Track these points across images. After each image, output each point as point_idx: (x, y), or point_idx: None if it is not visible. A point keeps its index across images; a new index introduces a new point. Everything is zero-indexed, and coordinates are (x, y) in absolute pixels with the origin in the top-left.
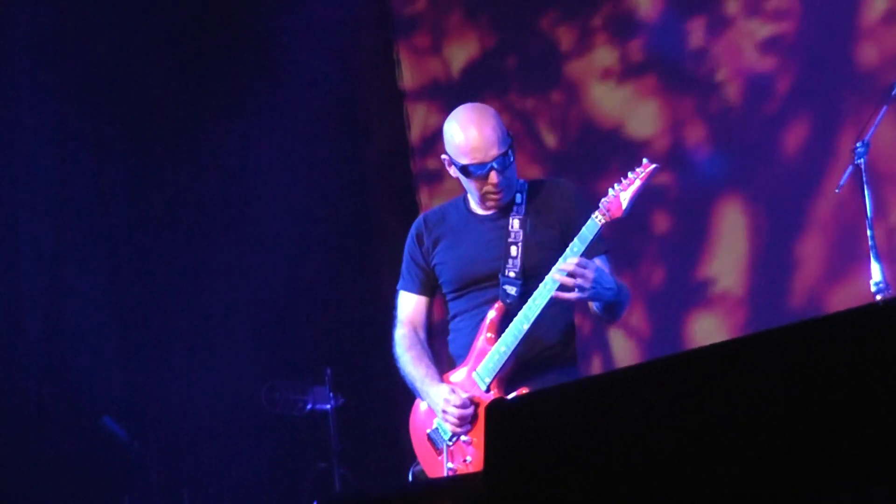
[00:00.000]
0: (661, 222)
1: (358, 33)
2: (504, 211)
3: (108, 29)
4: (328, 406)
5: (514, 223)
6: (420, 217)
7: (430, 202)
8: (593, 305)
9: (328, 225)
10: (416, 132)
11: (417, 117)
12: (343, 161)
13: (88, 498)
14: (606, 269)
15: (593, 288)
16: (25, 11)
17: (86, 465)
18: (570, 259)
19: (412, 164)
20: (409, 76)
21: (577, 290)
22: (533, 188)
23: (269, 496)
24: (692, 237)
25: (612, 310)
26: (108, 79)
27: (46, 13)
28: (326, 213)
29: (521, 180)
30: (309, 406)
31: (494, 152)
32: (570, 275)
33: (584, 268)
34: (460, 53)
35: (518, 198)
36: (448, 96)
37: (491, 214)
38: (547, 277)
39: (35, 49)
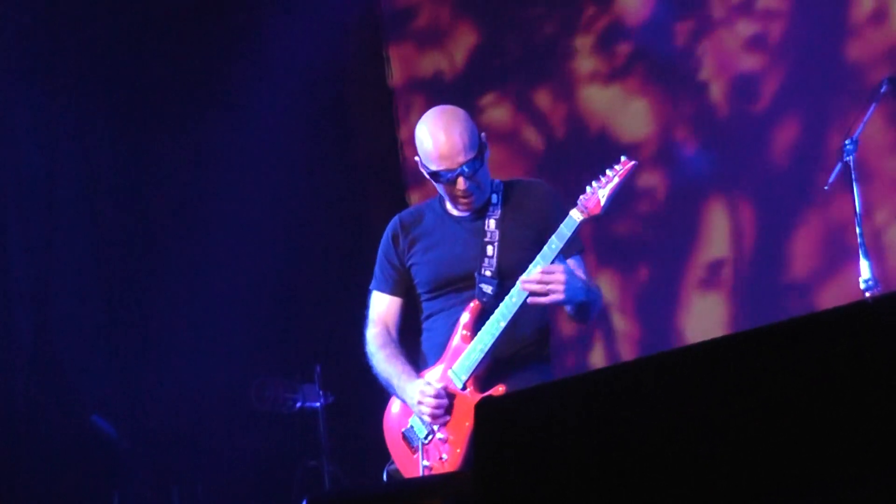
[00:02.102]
0: (650, 222)
1: (347, 30)
2: (480, 212)
3: (98, 21)
4: (318, 404)
5: (490, 223)
6: (396, 218)
7: (419, 199)
8: (566, 307)
9: (318, 222)
10: (405, 129)
11: (406, 114)
12: (333, 158)
13: (78, 495)
14: (581, 270)
15: (566, 292)
16: (12, 2)
17: (75, 462)
18: (533, 271)
19: (402, 160)
20: (398, 73)
21: (550, 293)
22: (508, 188)
23: (258, 493)
24: (681, 236)
25: (583, 311)
26: (97, 72)
27: (34, 4)
28: (316, 210)
29: (497, 180)
30: (298, 404)
31: (462, 159)
32: (540, 283)
33: (551, 273)
34: (450, 50)
35: (494, 198)
36: (437, 93)
37: (467, 216)
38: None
39: (22, 40)
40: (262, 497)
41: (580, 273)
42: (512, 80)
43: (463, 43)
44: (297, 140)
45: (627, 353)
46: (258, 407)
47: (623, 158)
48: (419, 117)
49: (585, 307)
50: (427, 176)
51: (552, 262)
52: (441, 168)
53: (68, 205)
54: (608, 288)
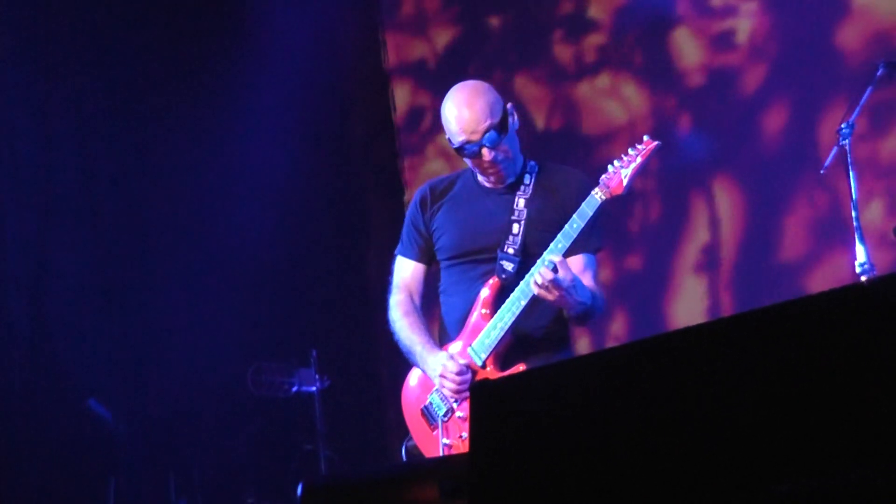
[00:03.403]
0: (644, 206)
1: (343, 13)
2: (511, 188)
3: (95, 12)
4: (314, 388)
5: (520, 202)
6: (426, 184)
7: (414, 182)
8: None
9: (314, 206)
10: (400, 112)
11: (402, 97)
12: (328, 143)
13: (74, 480)
14: (591, 271)
15: (561, 298)
16: None
17: (71, 447)
18: (543, 272)
19: (397, 144)
20: (394, 56)
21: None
22: (543, 171)
23: (254, 478)
24: (672, 221)
25: (580, 318)
26: (92, 59)
27: None
28: (312, 195)
29: (532, 162)
30: (295, 388)
31: (482, 128)
32: (542, 287)
33: (554, 282)
34: (445, 33)
35: (527, 178)
36: (433, 76)
37: (498, 189)
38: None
39: (18, 30)
40: (258, 481)
41: (588, 276)
42: (508, 61)
43: (459, 25)
44: (293, 125)
45: (619, 337)
46: (254, 391)
47: (646, 138)
48: (415, 99)
49: (582, 316)
50: (455, 152)
51: (564, 266)
52: (463, 141)
53: (65, 194)
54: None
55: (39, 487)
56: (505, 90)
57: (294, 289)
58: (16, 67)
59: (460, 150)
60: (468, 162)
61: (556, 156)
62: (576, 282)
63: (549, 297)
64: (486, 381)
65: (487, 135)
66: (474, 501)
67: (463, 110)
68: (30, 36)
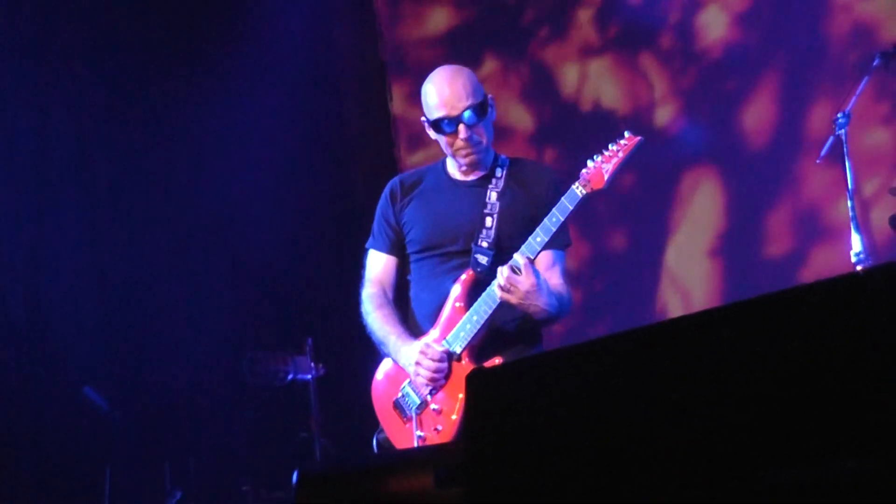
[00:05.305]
0: (633, 195)
1: (340, 3)
2: (483, 181)
3: None
4: (309, 376)
5: (492, 195)
6: (396, 178)
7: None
8: None
9: (309, 194)
10: (397, 100)
11: (398, 85)
12: (324, 132)
13: (69, 468)
14: (559, 267)
15: (523, 300)
16: None
17: (67, 435)
18: (506, 275)
19: (393, 132)
20: (390, 44)
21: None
22: (514, 165)
23: (249, 466)
24: (664, 209)
25: (542, 323)
26: (87, 42)
27: None
28: (307, 183)
29: (503, 156)
30: (290, 376)
31: (463, 105)
32: (504, 288)
33: (517, 285)
34: (442, 21)
35: (498, 171)
36: (429, 64)
37: (469, 181)
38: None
39: (12, 7)
40: (254, 469)
41: (556, 273)
42: (502, 49)
43: (456, 13)
44: (290, 115)
45: (610, 327)
46: (250, 380)
47: (627, 134)
48: (411, 88)
49: (545, 322)
50: (432, 133)
51: (528, 269)
52: (442, 115)
53: (60, 176)
54: (587, 262)
55: (35, 475)
56: (503, 77)
57: (289, 277)
58: (10, 51)
59: (437, 124)
60: (442, 141)
61: (546, 144)
62: (539, 286)
63: (512, 299)
64: (482, 368)
65: (467, 112)
66: (470, 489)
67: (445, 86)
68: (24, 19)
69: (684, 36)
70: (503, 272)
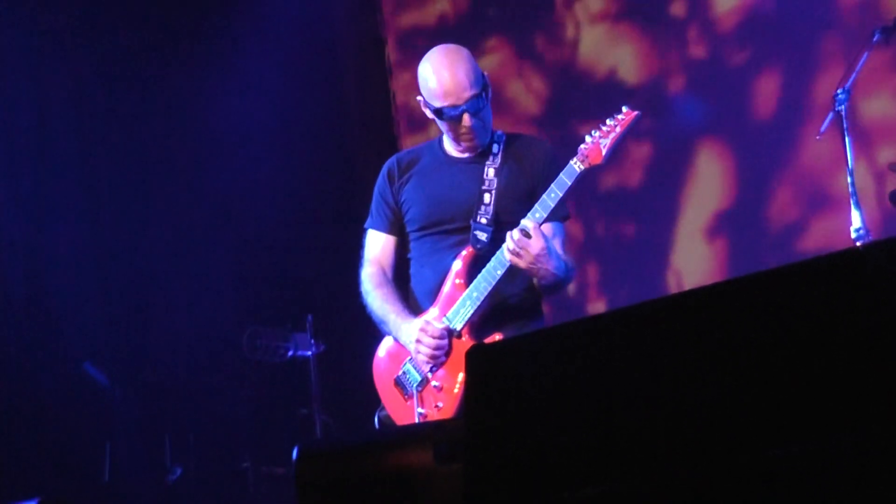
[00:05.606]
0: (639, 168)
1: None
2: (480, 157)
3: None
4: (309, 353)
5: (490, 172)
6: (393, 157)
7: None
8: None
9: (310, 171)
10: (397, 77)
11: (399, 62)
12: (325, 109)
13: (70, 444)
14: (560, 239)
15: (533, 265)
16: None
17: (67, 411)
18: (516, 237)
19: (394, 109)
20: (390, 20)
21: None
22: (510, 141)
23: (250, 442)
24: (670, 183)
25: (550, 288)
26: (86, 24)
27: None
28: (308, 159)
29: (500, 132)
30: (290, 353)
31: (467, 95)
32: (514, 252)
33: (527, 247)
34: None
35: (495, 148)
36: (430, 40)
37: (466, 158)
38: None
39: (13, 10)
40: (254, 445)
41: (557, 244)
42: (506, 25)
43: None
44: (289, 93)
45: (614, 302)
46: (250, 356)
47: (625, 109)
48: (412, 64)
49: (552, 287)
50: (431, 114)
51: (537, 232)
52: (446, 104)
53: (60, 152)
54: (596, 238)
55: (35, 451)
56: (507, 53)
57: (290, 253)
58: (10, 37)
59: (439, 112)
60: (443, 126)
61: (556, 118)
62: (548, 249)
63: (522, 263)
64: (482, 345)
65: (471, 101)
66: (470, 465)
67: (446, 73)
68: (23, 5)
69: (696, 5)
70: (513, 235)
